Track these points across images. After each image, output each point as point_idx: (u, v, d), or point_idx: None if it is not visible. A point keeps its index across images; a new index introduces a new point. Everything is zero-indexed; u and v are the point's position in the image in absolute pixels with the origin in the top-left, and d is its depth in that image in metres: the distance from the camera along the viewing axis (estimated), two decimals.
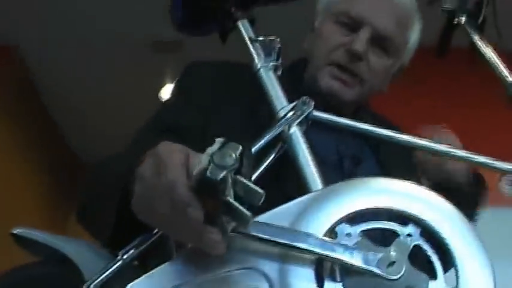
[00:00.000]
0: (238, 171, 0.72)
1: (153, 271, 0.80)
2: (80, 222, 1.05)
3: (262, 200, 0.74)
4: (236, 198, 0.72)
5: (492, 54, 1.39)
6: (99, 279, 0.81)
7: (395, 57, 1.29)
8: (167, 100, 1.33)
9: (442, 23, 1.54)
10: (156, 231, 0.86)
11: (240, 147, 0.71)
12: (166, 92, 4.48)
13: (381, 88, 1.32)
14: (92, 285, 0.81)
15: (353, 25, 1.24)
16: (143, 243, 0.85)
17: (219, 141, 0.72)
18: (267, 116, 1.06)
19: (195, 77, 1.29)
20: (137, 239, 0.86)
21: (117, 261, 0.83)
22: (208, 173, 0.69)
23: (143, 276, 0.79)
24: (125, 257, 0.83)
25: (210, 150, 0.71)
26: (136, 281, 0.79)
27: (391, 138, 1.07)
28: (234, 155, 0.70)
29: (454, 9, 1.46)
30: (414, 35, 1.33)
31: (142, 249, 0.85)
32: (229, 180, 0.70)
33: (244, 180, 0.72)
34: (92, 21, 4.11)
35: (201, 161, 0.70)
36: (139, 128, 1.24)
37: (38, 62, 4.63)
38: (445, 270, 0.79)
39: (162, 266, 0.80)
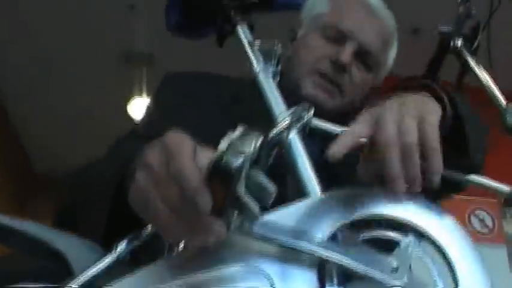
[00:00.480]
0: (254, 163, 0.68)
1: (146, 267, 0.76)
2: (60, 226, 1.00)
3: (272, 199, 0.71)
4: (247, 192, 0.68)
5: (488, 78, 1.39)
6: (89, 274, 0.76)
7: (374, 74, 1.31)
8: (146, 111, 1.33)
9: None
10: (148, 229, 0.82)
11: (262, 137, 0.68)
12: (134, 105, 4.43)
13: (358, 101, 1.31)
14: (81, 280, 0.75)
15: (339, 38, 1.26)
16: (137, 238, 0.80)
17: (240, 128, 0.68)
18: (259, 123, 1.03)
19: (172, 87, 1.29)
20: (131, 234, 0.81)
21: (109, 256, 0.78)
22: (225, 158, 0.65)
23: (134, 272, 0.75)
24: (117, 252, 0.78)
25: (231, 135, 0.67)
26: (127, 277, 0.74)
27: None
28: (253, 144, 0.67)
29: (450, 32, 1.47)
30: (391, 56, 1.37)
31: (136, 244, 0.79)
32: (244, 171, 0.66)
33: (259, 174, 0.68)
34: (64, 31, 4.07)
35: (219, 146, 0.66)
36: (115, 140, 1.20)
37: (2, 69, 4.54)
38: None
39: (156, 262, 0.76)
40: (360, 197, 0.84)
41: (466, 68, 1.50)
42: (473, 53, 1.49)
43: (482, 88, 1.46)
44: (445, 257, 0.80)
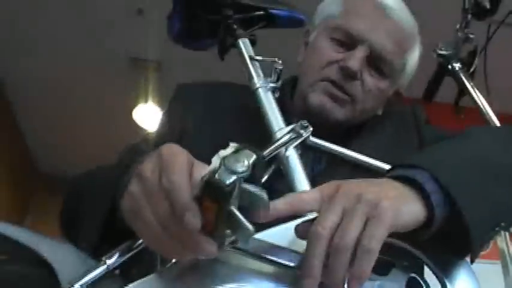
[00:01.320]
0: (247, 180, 0.66)
1: (137, 282, 0.73)
2: (65, 232, 0.98)
3: (267, 208, 0.68)
4: (240, 209, 0.66)
5: (483, 101, 1.39)
6: (77, 285, 0.73)
7: (391, 80, 1.19)
8: (159, 121, 1.28)
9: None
10: (140, 242, 0.79)
11: (255, 156, 0.65)
12: (139, 111, 4.37)
13: (374, 110, 1.23)
14: None
15: (349, 42, 1.16)
16: (129, 250, 0.77)
17: (233, 145, 0.66)
18: (258, 135, 1.01)
19: (183, 99, 1.25)
20: (122, 245, 0.78)
21: (99, 267, 0.75)
22: (217, 176, 0.63)
23: (129, 285, 0.72)
24: (108, 263, 0.75)
25: (223, 153, 0.65)
26: None
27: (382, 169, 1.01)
28: (246, 162, 0.64)
29: (448, 55, 1.47)
30: (413, 58, 1.23)
31: (128, 256, 0.77)
32: (237, 189, 0.64)
33: (252, 189, 0.66)
34: (71, 34, 4.01)
35: (211, 163, 0.64)
36: (126, 147, 1.18)
37: (8, 71, 4.49)
38: None
39: (148, 277, 0.73)
40: None
41: (463, 90, 1.51)
42: (470, 76, 1.49)
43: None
44: (439, 277, 0.77)
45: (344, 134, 1.18)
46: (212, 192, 0.64)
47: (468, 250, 0.78)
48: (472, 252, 0.78)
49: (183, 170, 0.68)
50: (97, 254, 0.80)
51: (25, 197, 5.72)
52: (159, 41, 3.61)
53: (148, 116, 4.31)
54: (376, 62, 1.16)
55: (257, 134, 1.02)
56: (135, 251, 0.78)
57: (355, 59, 1.13)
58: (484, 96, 1.45)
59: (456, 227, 0.76)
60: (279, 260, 0.73)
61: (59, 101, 4.77)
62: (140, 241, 0.78)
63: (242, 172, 0.63)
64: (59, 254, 0.78)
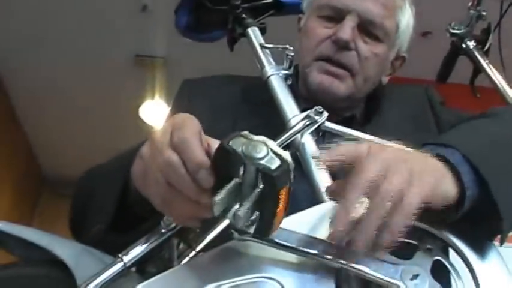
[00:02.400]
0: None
1: (160, 275, 0.69)
2: (75, 225, 0.96)
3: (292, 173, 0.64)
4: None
5: (500, 78, 1.35)
6: (94, 283, 0.70)
7: (387, 43, 1.14)
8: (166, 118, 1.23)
9: None
10: (156, 237, 0.76)
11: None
12: (146, 108, 4.32)
13: (378, 78, 1.18)
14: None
15: (337, 16, 1.12)
16: (145, 245, 0.74)
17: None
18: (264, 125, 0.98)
19: (187, 93, 1.21)
20: (138, 241, 0.75)
21: (115, 264, 0.72)
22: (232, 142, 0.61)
23: (150, 280, 0.68)
24: (125, 260, 0.72)
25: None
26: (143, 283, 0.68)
27: None
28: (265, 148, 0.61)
29: (461, 33, 1.42)
30: (405, 18, 1.17)
31: (144, 252, 0.74)
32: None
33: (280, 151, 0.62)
34: (75, 32, 3.94)
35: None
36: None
37: (12, 72, 4.41)
38: None
39: (170, 271, 0.70)
40: None
41: (478, 69, 1.46)
42: (485, 54, 1.44)
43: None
44: (465, 260, 0.74)
45: (348, 106, 1.16)
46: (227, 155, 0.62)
47: (498, 232, 0.75)
48: (501, 234, 0.74)
49: (196, 131, 0.67)
50: (107, 247, 0.77)
51: (31, 201, 5.70)
52: (165, 37, 3.61)
53: (155, 112, 4.25)
54: (367, 28, 1.11)
55: (264, 124, 0.98)
56: (152, 245, 0.75)
57: (345, 29, 1.08)
58: (499, 73, 1.40)
59: (486, 208, 0.72)
60: (301, 248, 0.69)
61: (64, 101, 4.70)
62: (157, 234, 0.75)
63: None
64: (74, 253, 0.75)
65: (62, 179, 5.15)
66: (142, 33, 3.79)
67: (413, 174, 0.68)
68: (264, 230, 0.66)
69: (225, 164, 0.63)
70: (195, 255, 0.76)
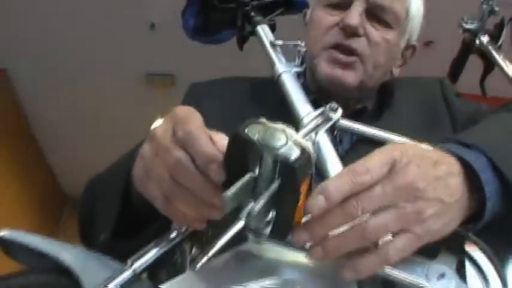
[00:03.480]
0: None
1: (171, 281, 0.65)
2: (84, 233, 0.93)
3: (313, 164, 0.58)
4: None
5: None
6: None
7: (397, 29, 1.07)
8: None
9: None
10: (167, 241, 0.71)
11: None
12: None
13: (389, 66, 1.11)
14: None
15: (344, 2, 1.05)
16: (156, 249, 0.69)
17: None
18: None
19: (194, 96, 1.16)
20: (148, 246, 0.70)
21: (125, 271, 0.67)
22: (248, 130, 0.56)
23: (161, 286, 0.64)
24: (134, 266, 0.67)
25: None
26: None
27: None
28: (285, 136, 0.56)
29: (474, 29, 1.37)
30: (415, 3, 1.11)
31: (155, 258, 0.68)
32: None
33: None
34: (85, 51, 3.94)
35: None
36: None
37: (28, 89, 4.42)
38: None
39: (182, 276, 0.65)
40: None
41: (490, 67, 1.41)
42: (499, 50, 1.39)
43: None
44: (492, 260, 0.68)
45: (360, 97, 1.09)
46: (243, 144, 0.56)
47: None
48: None
49: (201, 124, 0.63)
50: (118, 254, 0.72)
51: (53, 220, 5.64)
52: (173, 55, 3.62)
53: None
54: (377, 13, 1.05)
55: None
56: (162, 250, 0.69)
57: (353, 14, 1.02)
58: None
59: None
60: None
61: (78, 121, 4.72)
62: (168, 239, 0.70)
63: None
64: (81, 260, 0.70)
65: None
66: (151, 52, 3.77)
67: (415, 219, 0.61)
68: (282, 230, 0.60)
69: (239, 156, 0.57)
70: (208, 260, 0.71)
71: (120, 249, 0.75)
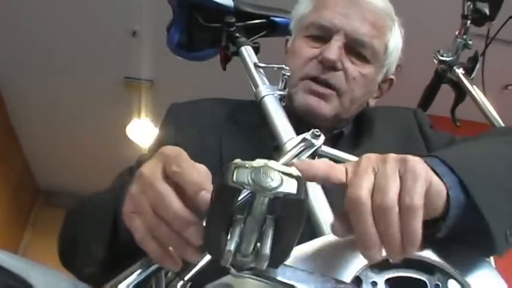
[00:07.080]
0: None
1: None
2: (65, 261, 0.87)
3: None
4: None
5: (489, 105, 1.28)
6: None
7: (375, 64, 1.05)
8: (152, 142, 1.13)
9: None
10: (143, 267, 0.65)
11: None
12: (132, 127, 4.23)
13: (365, 99, 1.09)
14: None
15: (324, 35, 1.02)
16: (132, 277, 0.63)
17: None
18: (252, 149, 0.93)
19: (176, 117, 1.11)
20: (123, 273, 0.64)
21: None
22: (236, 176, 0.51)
23: None
24: None
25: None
26: None
27: None
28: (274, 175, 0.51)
29: (449, 61, 1.35)
30: (394, 39, 1.08)
31: (133, 284, 0.62)
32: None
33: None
34: (69, 51, 3.87)
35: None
36: (121, 172, 1.05)
37: (9, 82, 4.30)
38: None
39: None
40: None
41: (461, 96, 1.39)
42: (471, 81, 1.38)
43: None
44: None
45: (334, 128, 1.07)
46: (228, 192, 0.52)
47: (491, 247, 0.66)
48: (495, 248, 0.66)
49: (187, 160, 0.61)
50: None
51: (24, 211, 5.52)
52: (152, 61, 3.61)
53: (141, 131, 4.19)
54: (355, 48, 1.02)
55: (251, 147, 0.94)
56: (140, 277, 0.63)
57: (332, 49, 0.99)
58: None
59: (476, 223, 0.64)
60: (304, 286, 0.59)
61: (57, 118, 4.64)
62: (144, 265, 0.64)
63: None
64: (51, 282, 0.63)
65: (55, 190, 5.23)
66: (132, 57, 3.74)
67: (402, 165, 0.62)
68: (283, 258, 0.56)
69: (226, 204, 0.53)
70: (183, 285, 0.65)
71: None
